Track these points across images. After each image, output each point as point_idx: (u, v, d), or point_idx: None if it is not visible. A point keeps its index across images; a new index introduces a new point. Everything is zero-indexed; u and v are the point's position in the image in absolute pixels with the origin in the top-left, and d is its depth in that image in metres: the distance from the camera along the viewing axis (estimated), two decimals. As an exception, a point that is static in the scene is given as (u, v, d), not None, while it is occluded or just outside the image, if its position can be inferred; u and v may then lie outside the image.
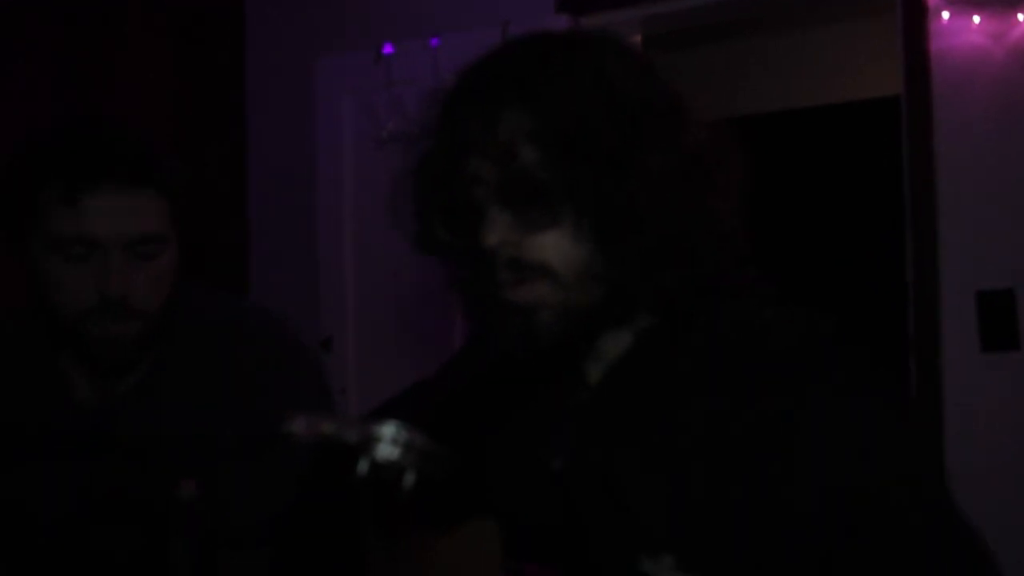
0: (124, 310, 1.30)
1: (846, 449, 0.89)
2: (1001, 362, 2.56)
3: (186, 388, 1.39)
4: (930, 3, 2.63)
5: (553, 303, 0.96)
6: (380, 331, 3.34)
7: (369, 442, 0.84)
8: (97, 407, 1.40)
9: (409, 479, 0.84)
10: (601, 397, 1.03)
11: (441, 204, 1.01)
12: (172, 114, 3.35)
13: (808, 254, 4.12)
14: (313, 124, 3.45)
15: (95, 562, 1.36)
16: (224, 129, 3.58)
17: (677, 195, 0.95)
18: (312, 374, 1.50)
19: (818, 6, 3.97)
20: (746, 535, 0.91)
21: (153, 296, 1.33)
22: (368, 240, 3.33)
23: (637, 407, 1.00)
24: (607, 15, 3.01)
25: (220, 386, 1.39)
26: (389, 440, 0.84)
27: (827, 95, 4.33)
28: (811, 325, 0.97)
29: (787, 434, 0.90)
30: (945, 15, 2.62)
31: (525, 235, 0.96)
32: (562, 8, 3.09)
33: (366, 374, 3.34)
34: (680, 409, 0.96)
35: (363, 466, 0.84)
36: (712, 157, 0.97)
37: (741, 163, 0.98)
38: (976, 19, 2.61)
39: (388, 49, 3.20)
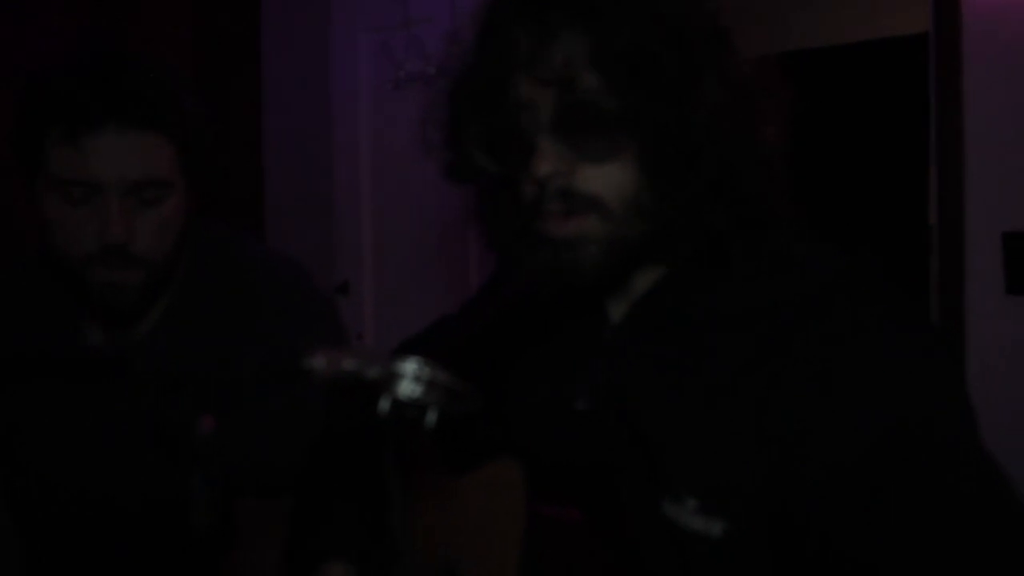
0: (125, 257, 1.25)
1: (885, 386, 0.86)
2: (1025, 305, 2.54)
3: (201, 331, 1.37)
4: (960, -63, 2.56)
5: (599, 237, 0.92)
6: (397, 275, 3.33)
7: (391, 379, 0.81)
8: (111, 348, 1.38)
9: (431, 417, 0.82)
10: (625, 334, 1.00)
11: (482, 129, 0.96)
12: (191, 51, 3.31)
13: (832, 193, 4.08)
14: (329, 64, 3.41)
15: (110, 491, 1.36)
16: (239, 71, 3.55)
17: (731, 128, 0.91)
18: (328, 317, 1.47)
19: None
20: (771, 479, 0.88)
21: (157, 244, 1.28)
22: (385, 183, 3.30)
23: (663, 345, 0.97)
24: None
25: (236, 328, 1.36)
26: (411, 377, 0.81)
27: (855, 33, 4.26)
28: (846, 261, 0.94)
29: (821, 372, 0.87)
30: (976, -51, 2.55)
31: (578, 165, 0.92)
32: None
33: (382, 319, 3.33)
34: (707, 346, 0.93)
35: (384, 404, 0.81)
36: (760, 91, 0.93)
37: (786, 97, 0.94)
38: (1008, -47, 2.53)
39: (406, -14, 3.15)
